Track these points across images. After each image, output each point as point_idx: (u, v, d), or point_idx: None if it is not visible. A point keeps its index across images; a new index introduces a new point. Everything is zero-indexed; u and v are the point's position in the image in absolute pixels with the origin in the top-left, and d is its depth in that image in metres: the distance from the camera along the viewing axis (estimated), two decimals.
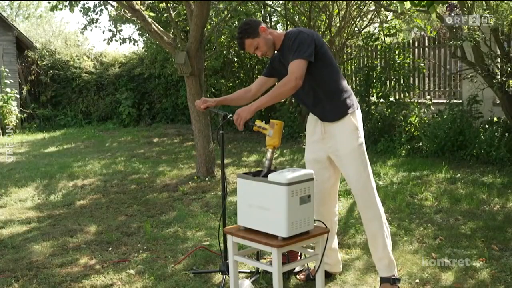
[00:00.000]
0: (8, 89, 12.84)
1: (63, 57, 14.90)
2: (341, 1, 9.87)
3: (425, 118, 8.53)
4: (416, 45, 10.46)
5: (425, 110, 8.84)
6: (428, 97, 9.64)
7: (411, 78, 9.69)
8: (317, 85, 3.14)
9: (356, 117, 3.19)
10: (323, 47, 3.11)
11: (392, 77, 9.35)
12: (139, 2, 6.85)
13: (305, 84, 3.05)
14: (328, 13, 9.91)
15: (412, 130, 8.35)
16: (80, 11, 9.14)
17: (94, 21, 9.60)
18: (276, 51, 3.23)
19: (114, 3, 7.86)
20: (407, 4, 3.59)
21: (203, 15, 6.29)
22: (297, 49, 2.98)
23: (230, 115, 3.41)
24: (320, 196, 3.31)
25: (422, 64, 9.68)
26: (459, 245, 3.98)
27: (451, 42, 6.92)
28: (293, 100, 10.23)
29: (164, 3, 8.42)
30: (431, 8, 3.34)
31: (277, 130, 3.00)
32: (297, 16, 10.67)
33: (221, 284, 3.35)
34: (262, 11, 10.54)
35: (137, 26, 10.54)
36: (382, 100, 9.13)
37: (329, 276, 3.48)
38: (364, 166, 3.17)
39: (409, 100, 9.07)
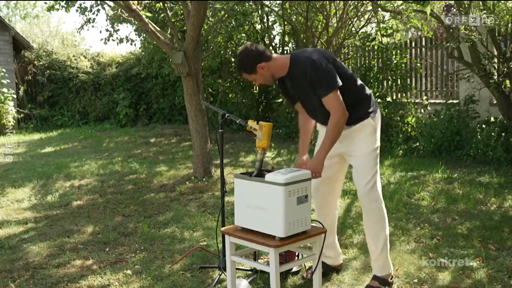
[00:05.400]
0: (4, 89, 12.79)
1: (60, 57, 14.86)
2: (338, 1, 9.87)
3: (422, 118, 8.54)
4: (413, 45, 10.47)
5: (422, 110, 8.85)
6: (425, 97, 9.65)
7: (408, 78, 9.70)
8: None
9: (375, 120, 3.20)
10: (335, 64, 3.11)
11: (389, 77, 9.36)
12: (136, 2, 6.84)
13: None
14: (325, 13, 9.91)
15: (409, 130, 8.36)
16: (77, 10, 9.12)
17: (91, 21, 9.58)
18: (280, 76, 3.21)
19: (111, 3, 7.85)
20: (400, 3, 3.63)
21: (200, 15, 6.29)
22: (325, 83, 3.00)
23: (228, 114, 3.44)
24: (325, 189, 3.37)
25: (419, 64, 9.69)
26: (456, 244, 3.99)
27: (448, 44, 6.94)
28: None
29: (161, 3, 8.41)
30: (426, 3, 3.36)
31: (265, 132, 3.02)
32: (294, 16, 10.67)
33: (215, 281, 3.36)
34: (259, 11, 10.53)
35: (134, 26, 10.52)
36: (379, 100, 9.13)
37: (332, 271, 3.52)
38: (375, 170, 3.18)
39: (406, 100, 9.07)
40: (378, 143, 3.22)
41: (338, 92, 3.00)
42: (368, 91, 3.26)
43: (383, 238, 3.23)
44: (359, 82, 3.27)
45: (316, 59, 3.02)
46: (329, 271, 3.52)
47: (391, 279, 3.28)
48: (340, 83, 3.00)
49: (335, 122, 3.01)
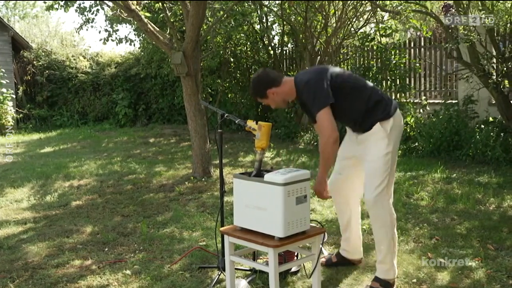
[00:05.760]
0: (3, 89, 12.80)
1: (59, 57, 14.86)
2: (337, 1, 9.88)
3: (421, 118, 8.55)
4: (412, 45, 10.48)
5: (421, 110, 8.86)
6: (424, 97, 9.66)
7: (407, 79, 9.71)
8: (349, 111, 3.22)
9: (388, 124, 3.17)
10: (338, 77, 3.16)
11: (388, 77, 9.37)
12: (135, 2, 6.84)
13: (338, 114, 3.13)
14: (324, 13, 9.92)
15: (408, 130, 8.37)
16: (76, 10, 9.11)
17: (90, 21, 9.58)
18: (291, 99, 3.37)
19: (110, 3, 7.85)
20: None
21: (199, 15, 6.29)
22: (313, 101, 3.09)
23: (227, 114, 3.45)
24: (342, 186, 3.48)
25: (418, 65, 9.70)
26: (455, 244, 3.99)
27: (447, 44, 6.94)
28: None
29: (160, 3, 8.42)
30: (423, 2, 3.39)
31: (264, 133, 3.03)
32: (293, 17, 10.67)
33: (214, 281, 3.36)
34: (259, 11, 10.54)
35: (134, 26, 10.52)
36: None
37: (347, 263, 3.61)
38: (384, 176, 3.16)
39: (405, 100, 9.08)
40: (390, 148, 3.17)
41: (327, 111, 3.04)
42: (379, 96, 3.25)
43: (386, 244, 3.23)
44: (370, 89, 3.27)
45: (308, 80, 3.14)
46: (344, 262, 3.62)
47: (393, 282, 3.28)
48: (330, 100, 3.05)
49: (323, 142, 3.08)
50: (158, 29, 6.96)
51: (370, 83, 3.37)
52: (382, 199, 3.18)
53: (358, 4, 9.71)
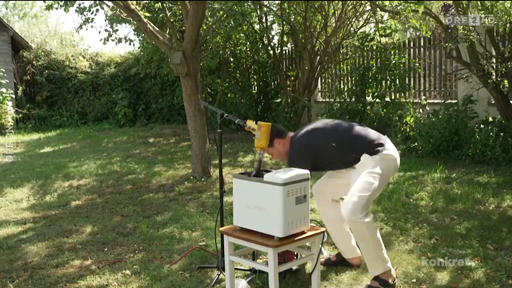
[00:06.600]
0: (3, 89, 12.79)
1: (59, 57, 14.85)
2: (336, 1, 9.88)
3: (421, 118, 8.55)
4: (411, 45, 10.48)
5: (421, 110, 8.86)
6: (423, 97, 9.66)
7: (407, 78, 9.71)
8: (338, 163, 3.37)
9: (375, 160, 3.23)
10: (320, 145, 3.29)
11: (388, 77, 9.36)
12: (134, 2, 6.84)
13: (328, 166, 3.43)
14: (323, 13, 9.92)
15: (408, 130, 8.37)
16: (76, 10, 9.11)
17: (90, 21, 9.57)
18: None
19: (110, 3, 7.84)
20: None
21: (198, 15, 6.29)
22: (292, 164, 3.19)
23: (227, 114, 3.45)
24: (326, 187, 3.54)
25: (418, 64, 9.70)
26: (455, 244, 3.99)
27: (447, 44, 6.94)
28: (289, 100, 10.23)
29: (159, 3, 8.41)
30: (420, 3, 3.42)
31: (264, 132, 3.05)
32: (293, 16, 10.67)
33: (213, 281, 3.36)
34: (258, 11, 10.53)
35: (133, 26, 10.52)
36: (377, 100, 9.14)
37: (347, 264, 3.61)
38: (367, 188, 3.15)
39: (404, 100, 9.08)
40: (378, 170, 3.19)
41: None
42: (361, 146, 3.29)
43: (369, 252, 3.24)
44: (352, 146, 3.31)
45: (293, 150, 3.33)
46: (344, 263, 3.63)
47: (392, 281, 3.28)
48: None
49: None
50: (157, 29, 6.95)
51: (359, 128, 3.41)
52: (355, 213, 3.10)
53: (358, 4, 9.71)
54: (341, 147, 3.30)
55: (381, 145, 3.30)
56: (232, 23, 9.97)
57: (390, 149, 3.33)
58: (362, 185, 3.15)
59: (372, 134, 3.38)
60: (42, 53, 14.91)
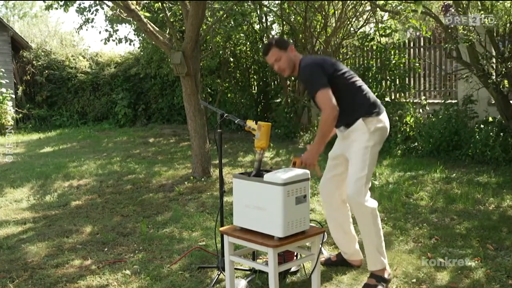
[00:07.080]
0: (3, 89, 12.80)
1: (59, 57, 14.85)
2: (336, 1, 9.88)
3: (421, 118, 8.55)
4: (411, 45, 10.49)
5: (421, 110, 8.86)
6: (423, 97, 9.66)
7: (407, 78, 9.72)
8: (339, 100, 3.24)
9: (371, 123, 3.25)
10: (336, 70, 3.27)
11: (388, 77, 9.37)
12: (134, 2, 6.84)
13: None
14: (323, 13, 9.93)
15: (408, 130, 8.37)
16: (76, 10, 9.12)
17: (90, 21, 9.58)
18: (294, 73, 3.43)
19: (110, 3, 7.85)
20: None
21: (198, 15, 6.29)
22: (311, 84, 3.20)
23: (227, 114, 3.45)
24: (333, 187, 3.51)
25: (418, 64, 9.70)
26: (455, 244, 4.00)
27: (447, 44, 6.94)
28: (289, 100, 10.24)
29: (159, 3, 8.41)
30: (418, 2, 3.43)
31: (264, 132, 3.04)
32: (293, 16, 10.68)
33: (213, 281, 3.36)
34: (258, 11, 10.54)
35: (133, 26, 10.52)
36: None
37: (347, 265, 3.61)
38: (362, 172, 3.21)
39: (404, 100, 9.08)
40: (370, 143, 3.24)
41: (326, 91, 3.12)
42: (368, 95, 3.32)
43: (367, 236, 3.29)
44: (361, 86, 3.34)
45: (307, 64, 3.26)
46: (344, 263, 3.63)
47: (388, 275, 3.29)
48: (325, 84, 3.14)
49: (324, 118, 3.15)
50: (157, 29, 6.95)
51: (364, 84, 3.42)
52: (359, 194, 3.19)
53: (358, 4, 9.71)
54: (350, 83, 3.31)
55: (378, 108, 3.32)
56: (232, 23, 9.97)
57: (383, 119, 3.34)
58: (357, 165, 3.22)
59: (373, 96, 3.41)
60: (42, 53, 14.91)
